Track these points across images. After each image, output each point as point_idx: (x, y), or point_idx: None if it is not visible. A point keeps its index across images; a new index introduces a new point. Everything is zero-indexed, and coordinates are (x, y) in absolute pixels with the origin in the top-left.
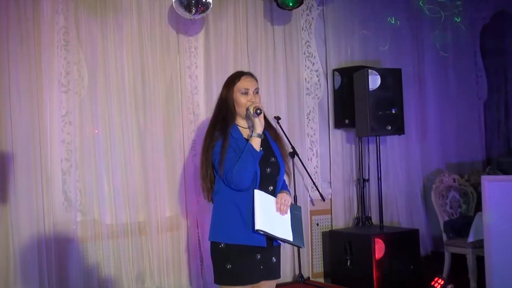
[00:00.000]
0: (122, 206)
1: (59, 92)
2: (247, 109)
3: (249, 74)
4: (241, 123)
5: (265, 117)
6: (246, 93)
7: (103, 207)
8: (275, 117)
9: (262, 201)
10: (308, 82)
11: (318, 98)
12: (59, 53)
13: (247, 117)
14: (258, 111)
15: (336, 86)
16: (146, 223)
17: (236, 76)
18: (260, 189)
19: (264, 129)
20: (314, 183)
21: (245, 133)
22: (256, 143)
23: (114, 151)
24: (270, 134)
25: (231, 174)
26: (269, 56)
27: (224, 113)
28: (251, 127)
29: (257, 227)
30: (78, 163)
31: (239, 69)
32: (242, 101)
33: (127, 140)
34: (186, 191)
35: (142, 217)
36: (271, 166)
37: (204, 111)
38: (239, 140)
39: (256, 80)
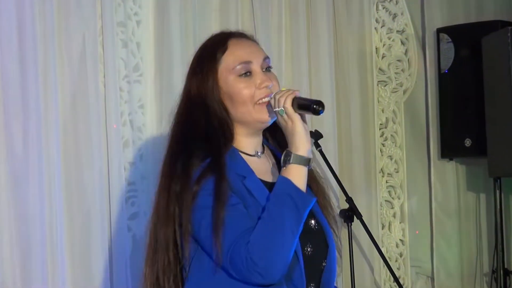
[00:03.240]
0: None
1: None
2: (270, 105)
3: (243, 35)
4: (244, 145)
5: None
6: (248, 73)
7: None
8: (311, 133)
9: None
10: (384, 57)
11: (404, 92)
12: None
13: (254, 127)
14: (316, 106)
15: (445, 66)
16: None
17: (218, 43)
18: None
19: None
20: (396, 279)
21: (254, 165)
22: (299, 176)
23: None
24: None
25: (246, 250)
26: (298, 3)
27: (195, 129)
28: (278, 147)
29: None
30: None
31: (231, 28)
32: (242, 91)
33: None
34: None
35: None
36: (312, 238)
37: (153, 118)
38: (249, 180)
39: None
